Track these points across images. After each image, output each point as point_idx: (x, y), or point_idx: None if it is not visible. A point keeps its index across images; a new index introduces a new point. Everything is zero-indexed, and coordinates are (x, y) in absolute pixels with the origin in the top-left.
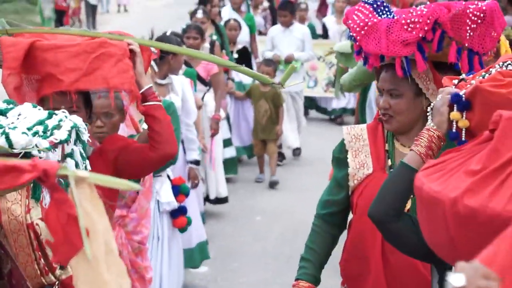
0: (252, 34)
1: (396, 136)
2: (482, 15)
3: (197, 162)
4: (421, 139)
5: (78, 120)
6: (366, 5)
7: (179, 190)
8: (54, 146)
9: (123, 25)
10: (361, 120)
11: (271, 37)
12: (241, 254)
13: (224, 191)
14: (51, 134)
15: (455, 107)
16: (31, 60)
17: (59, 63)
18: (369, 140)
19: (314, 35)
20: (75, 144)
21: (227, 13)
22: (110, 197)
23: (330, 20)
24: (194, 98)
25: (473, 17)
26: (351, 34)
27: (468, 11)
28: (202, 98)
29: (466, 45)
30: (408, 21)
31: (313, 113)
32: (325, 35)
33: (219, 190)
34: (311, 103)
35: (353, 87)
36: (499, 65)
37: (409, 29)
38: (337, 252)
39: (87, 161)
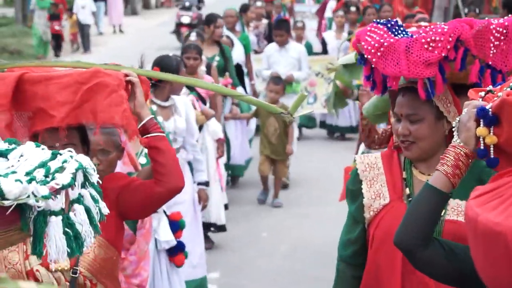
0: (247, 54)
1: (415, 163)
2: (505, 31)
3: (206, 183)
4: (447, 157)
5: (85, 160)
6: (379, 25)
7: (178, 226)
8: (55, 192)
9: (118, 45)
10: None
11: (267, 56)
12: (248, 271)
13: (223, 218)
14: (53, 179)
15: (481, 122)
16: (21, 94)
17: (50, 96)
18: (384, 169)
19: (311, 54)
20: (83, 187)
21: None
22: (115, 244)
23: (329, 35)
24: (204, 110)
25: (496, 34)
26: (365, 56)
27: (491, 27)
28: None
29: (490, 63)
30: (429, 39)
31: (315, 130)
32: (324, 50)
33: (220, 215)
34: (310, 120)
35: (377, 118)
36: None
37: (430, 48)
38: None
39: (102, 204)
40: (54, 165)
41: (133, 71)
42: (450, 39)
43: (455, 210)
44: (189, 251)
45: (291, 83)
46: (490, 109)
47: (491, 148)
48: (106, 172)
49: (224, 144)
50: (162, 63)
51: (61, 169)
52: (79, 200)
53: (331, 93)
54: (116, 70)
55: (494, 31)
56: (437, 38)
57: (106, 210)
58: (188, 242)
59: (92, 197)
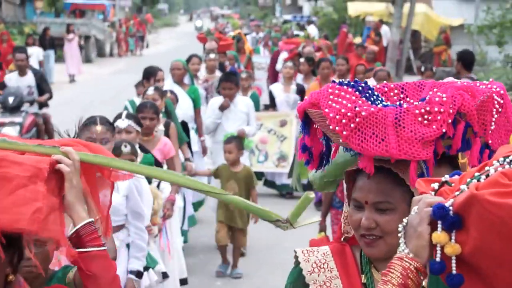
0: (196, 109)
1: (375, 263)
2: (502, 101)
3: (139, 274)
4: (392, 273)
5: None
6: (346, 87)
7: None
8: None
9: (70, 95)
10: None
11: (213, 110)
12: None
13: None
14: None
15: (439, 226)
16: None
17: None
18: (339, 270)
19: (257, 104)
20: None
21: (168, 86)
22: None
23: (277, 88)
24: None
25: (496, 104)
26: (334, 127)
27: (494, 96)
28: (158, 185)
29: (490, 141)
30: (423, 110)
31: (263, 188)
32: (272, 103)
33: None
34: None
35: (325, 185)
36: (498, 161)
37: (426, 121)
38: None
39: None
40: None
41: (76, 155)
42: (451, 111)
43: None
44: None
45: (244, 139)
46: (451, 208)
47: (453, 261)
48: (41, 267)
49: (173, 204)
50: None
51: None
52: None
53: (294, 169)
54: (50, 153)
55: (495, 102)
56: (435, 109)
57: None
58: None
59: None
